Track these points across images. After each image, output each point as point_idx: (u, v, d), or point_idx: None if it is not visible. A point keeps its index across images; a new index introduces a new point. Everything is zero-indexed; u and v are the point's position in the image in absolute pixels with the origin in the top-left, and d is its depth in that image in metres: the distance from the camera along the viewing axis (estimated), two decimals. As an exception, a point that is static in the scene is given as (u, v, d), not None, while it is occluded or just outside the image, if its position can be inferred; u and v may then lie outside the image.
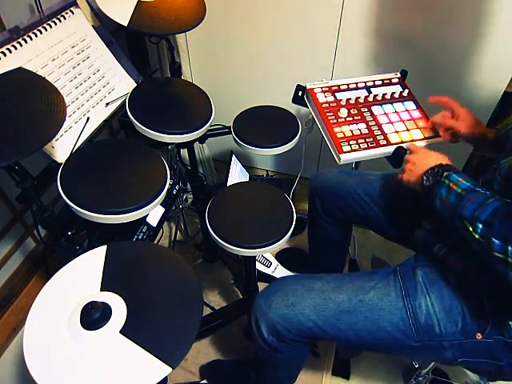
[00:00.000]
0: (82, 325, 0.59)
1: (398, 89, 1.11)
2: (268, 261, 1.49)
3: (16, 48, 0.83)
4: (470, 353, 0.75)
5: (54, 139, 0.82)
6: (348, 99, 1.07)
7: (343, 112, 1.03)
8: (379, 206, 1.00)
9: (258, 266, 1.45)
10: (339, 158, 0.96)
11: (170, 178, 0.86)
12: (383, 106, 1.07)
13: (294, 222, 0.90)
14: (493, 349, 0.73)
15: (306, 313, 0.79)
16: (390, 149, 0.98)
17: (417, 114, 1.06)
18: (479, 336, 0.72)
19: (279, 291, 0.83)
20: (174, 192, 1.13)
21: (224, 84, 1.63)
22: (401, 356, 1.25)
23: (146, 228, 1.01)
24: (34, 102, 0.69)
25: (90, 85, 0.97)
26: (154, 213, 1.04)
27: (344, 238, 1.23)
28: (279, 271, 1.47)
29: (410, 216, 0.97)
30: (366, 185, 1.02)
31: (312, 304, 0.79)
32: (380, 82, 1.13)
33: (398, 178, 0.85)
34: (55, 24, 0.93)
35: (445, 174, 0.73)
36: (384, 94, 1.08)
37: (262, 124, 1.12)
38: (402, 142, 0.99)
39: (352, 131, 1.00)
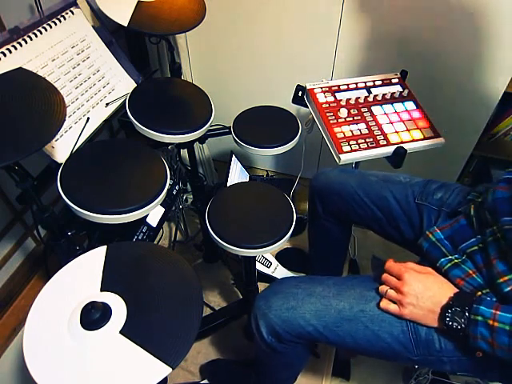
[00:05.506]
0: (82, 325, 0.59)
1: (398, 89, 1.11)
2: (268, 261, 1.49)
3: (16, 48, 0.83)
4: (469, 369, 0.74)
5: (53, 139, 0.82)
6: (348, 99, 1.07)
7: (343, 112, 1.03)
8: (380, 208, 0.99)
9: (258, 266, 1.45)
10: (339, 158, 0.96)
11: (170, 179, 0.86)
12: (383, 106, 1.07)
13: (293, 222, 0.90)
14: (492, 365, 0.72)
15: (307, 317, 0.78)
16: (390, 149, 0.98)
17: (417, 114, 1.06)
18: (479, 354, 0.70)
19: (280, 293, 0.82)
20: (174, 192, 1.13)
21: (224, 84, 1.63)
22: (399, 363, 1.25)
23: (146, 228, 1.01)
24: (34, 101, 0.68)
25: (90, 85, 0.97)
26: (153, 213, 1.04)
27: (344, 238, 1.23)
28: (279, 271, 1.47)
29: (411, 220, 0.96)
30: (367, 186, 1.01)
31: (313, 309, 0.79)
32: (380, 82, 1.13)
33: (392, 311, 0.75)
34: (55, 24, 0.93)
35: (472, 309, 0.65)
36: (384, 94, 1.09)
37: (262, 124, 1.12)
38: (402, 143, 0.99)
39: (352, 131, 1.00)
